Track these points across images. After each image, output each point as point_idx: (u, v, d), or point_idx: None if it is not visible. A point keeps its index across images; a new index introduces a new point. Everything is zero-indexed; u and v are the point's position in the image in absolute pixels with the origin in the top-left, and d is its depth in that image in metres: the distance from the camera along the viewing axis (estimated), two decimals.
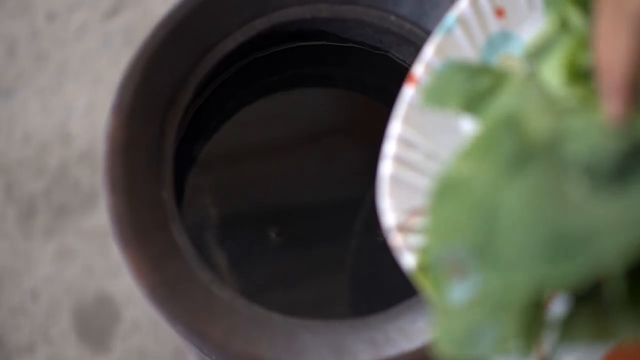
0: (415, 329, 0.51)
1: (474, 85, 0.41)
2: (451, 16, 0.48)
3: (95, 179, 0.85)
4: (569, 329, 0.38)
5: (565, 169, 0.35)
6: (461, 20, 0.47)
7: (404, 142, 0.46)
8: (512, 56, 0.47)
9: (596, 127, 0.35)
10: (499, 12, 0.48)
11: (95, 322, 0.82)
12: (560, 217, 0.34)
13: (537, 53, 0.40)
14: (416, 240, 0.44)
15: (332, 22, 0.58)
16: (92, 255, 0.83)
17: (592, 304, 0.37)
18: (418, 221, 0.44)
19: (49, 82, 0.88)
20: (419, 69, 0.47)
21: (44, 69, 0.88)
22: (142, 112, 0.53)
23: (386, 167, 0.46)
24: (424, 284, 0.40)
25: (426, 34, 0.56)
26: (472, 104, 0.40)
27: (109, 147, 0.52)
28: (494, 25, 0.48)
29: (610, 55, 0.36)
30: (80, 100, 0.87)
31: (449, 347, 0.36)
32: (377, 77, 0.60)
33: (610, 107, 0.36)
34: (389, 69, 0.60)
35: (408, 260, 0.44)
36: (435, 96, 0.42)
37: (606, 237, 0.33)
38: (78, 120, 0.87)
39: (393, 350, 0.50)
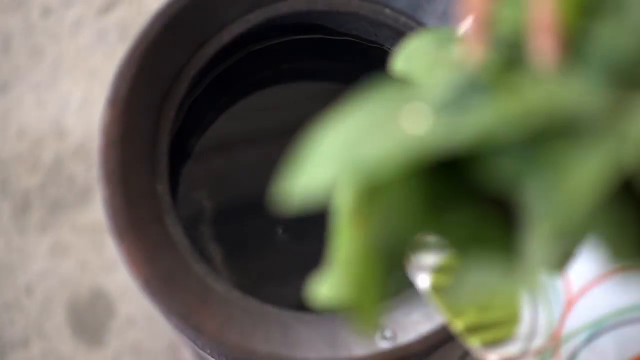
0: (409, 322, 0.51)
1: (440, 53, 0.41)
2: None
3: (90, 174, 0.85)
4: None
5: (410, 103, 0.34)
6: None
7: None
8: None
9: (450, 67, 0.36)
10: None
11: (90, 317, 0.82)
12: (374, 138, 0.34)
13: None
14: (427, 259, 0.44)
15: (327, 15, 0.58)
16: (87, 250, 0.83)
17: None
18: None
19: (43, 77, 0.88)
20: None
21: (39, 64, 0.88)
22: (138, 105, 0.53)
23: None
24: None
25: (421, 27, 0.56)
26: (432, 70, 0.40)
27: (104, 140, 0.52)
28: None
29: None
30: (75, 95, 0.87)
31: (330, 294, 0.36)
32: (372, 72, 0.60)
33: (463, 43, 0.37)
34: (384, 63, 0.60)
35: (422, 282, 0.44)
36: (404, 60, 0.42)
37: (384, 145, 0.33)
38: (73, 115, 0.87)
39: (387, 343, 0.50)
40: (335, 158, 0.34)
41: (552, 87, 0.31)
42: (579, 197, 0.29)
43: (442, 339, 0.49)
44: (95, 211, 0.84)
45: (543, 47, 0.34)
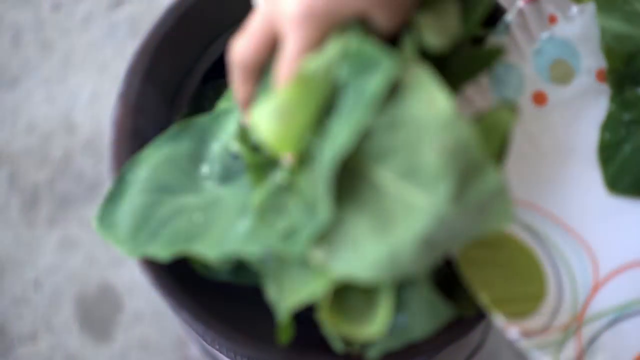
0: None
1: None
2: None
3: (99, 169, 0.86)
4: None
5: (204, 161, 0.49)
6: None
7: None
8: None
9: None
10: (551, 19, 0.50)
11: (98, 312, 0.82)
12: (171, 180, 0.48)
13: None
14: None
15: None
16: (95, 245, 0.83)
17: None
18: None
19: (53, 72, 0.88)
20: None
21: (49, 59, 0.88)
22: (149, 99, 0.53)
23: None
24: None
25: None
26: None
27: (115, 135, 0.52)
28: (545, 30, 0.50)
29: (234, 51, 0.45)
30: (85, 90, 0.88)
31: None
32: None
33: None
34: None
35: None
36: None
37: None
38: (82, 110, 0.87)
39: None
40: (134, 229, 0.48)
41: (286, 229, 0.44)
42: (293, 304, 0.44)
43: (452, 337, 0.49)
44: None
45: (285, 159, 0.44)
